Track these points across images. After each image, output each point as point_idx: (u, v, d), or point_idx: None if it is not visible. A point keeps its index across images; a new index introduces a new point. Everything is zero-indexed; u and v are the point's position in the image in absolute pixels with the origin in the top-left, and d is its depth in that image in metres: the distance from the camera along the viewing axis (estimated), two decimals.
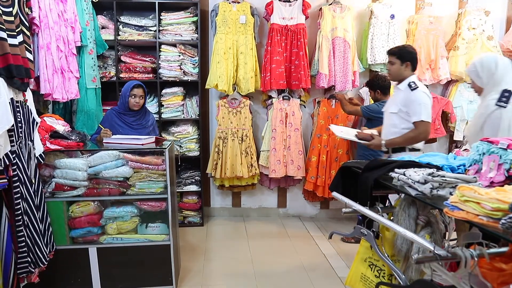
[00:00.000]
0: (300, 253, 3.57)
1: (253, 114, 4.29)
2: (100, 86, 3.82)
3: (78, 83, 3.42)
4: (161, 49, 4.04)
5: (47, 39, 2.84)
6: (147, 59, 4.09)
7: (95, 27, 3.77)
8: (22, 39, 2.41)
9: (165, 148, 2.69)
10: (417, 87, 2.78)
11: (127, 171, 2.72)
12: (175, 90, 4.08)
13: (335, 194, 1.85)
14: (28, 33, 2.50)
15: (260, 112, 4.43)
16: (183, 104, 4.13)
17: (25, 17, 2.49)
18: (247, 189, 4.37)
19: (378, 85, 3.61)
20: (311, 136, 4.29)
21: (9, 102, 2.18)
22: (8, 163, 2.16)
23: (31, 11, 2.61)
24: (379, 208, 1.68)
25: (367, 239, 1.68)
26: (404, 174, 1.54)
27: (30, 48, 2.52)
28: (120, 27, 4.01)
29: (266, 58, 4.04)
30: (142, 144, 2.77)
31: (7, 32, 2.24)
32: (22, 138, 2.37)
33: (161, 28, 4.03)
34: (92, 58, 3.64)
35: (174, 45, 4.07)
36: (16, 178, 2.26)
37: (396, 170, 1.62)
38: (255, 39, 4.08)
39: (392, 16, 4.12)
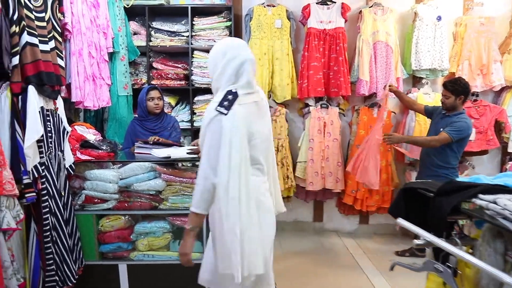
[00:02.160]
0: (340, 274, 3.31)
1: (289, 123, 4.07)
2: (131, 94, 3.71)
3: (109, 90, 3.32)
4: (193, 55, 3.90)
5: (79, 45, 2.73)
6: (179, 65, 3.96)
7: (127, 33, 3.66)
8: (54, 45, 2.30)
9: (198, 159, 2.51)
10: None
11: (160, 184, 2.55)
12: (208, 98, 3.92)
13: (401, 221, 1.60)
14: (60, 39, 2.40)
15: (296, 121, 4.21)
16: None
17: (57, 23, 2.39)
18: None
19: (464, 90, 3.14)
20: (349, 146, 4.03)
21: (39, 111, 2.06)
22: (37, 176, 2.03)
23: (64, 17, 2.51)
24: (458, 241, 1.43)
25: (444, 277, 1.43)
26: (495, 203, 1.29)
27: (62, 54, 2.41)
28: (152, 32, 3.90)
29: (303, 64, 3.83)
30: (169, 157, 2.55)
31: (38, 38, 2.14)
32: (52, 149, 2.24)
33: (193, 33, 3.89)
34: (124, 65, 3.53)
35: (207, 51, 3.91)
36: (45, 191, 2.13)
37: (480, 196, 1.36)
38: (291, 44, 3.87)
39: (439, 18, 3.83)
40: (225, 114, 1.56)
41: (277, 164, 3.89)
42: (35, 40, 2.09)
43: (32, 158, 1.96)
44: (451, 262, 1.41)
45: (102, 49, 3.03)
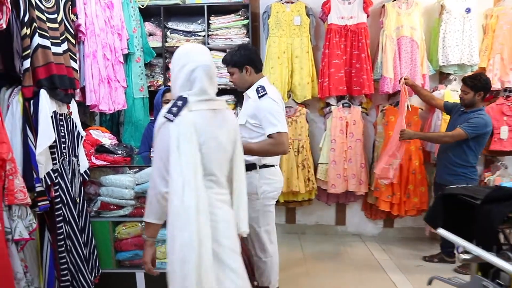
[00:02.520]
0: (365, 280, 3.16)
1: (310, 123, 3.93)
2: (147, 96, 3.63)
3: (125, 93, 3.24)
4: None
5: (93, 47, 2.66)
6: None
7: (142, 34, 3.59)
8: (66, 47, 2.22)
9: None
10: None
11: None
12: (226, 98, 3.81)
13: (442, 232, 1.45)
14: (73, 40, 2.33)
15: (317, 121, 4.06)
16: (234, 113, 3.85)
17: (70, 24, 2.31)
18: (303, 204, 4.00)
19: (484, 86, 3.03)
20: (374, 147, 3.86)
21: (52, 116, 1.98)
22: (49, 183, 1.95)
23: (77, 18, 2.43)
24: (511, 255, 1.27)
25: None
26: None
27: (75, 56, 2.33)
28: (168, 33, 3.81)
29: (323, 62, 3.68)
30: None
31: (50, 40, 2.06)
32: (66, 155, 2.17)
33: (210, 33, 3.78)
34: (140, 66, 3.46)
35: (224, 51, 3.80)
36: (58, 199, 2.05)
37: None
38: (311, 41, 3.73)
39: (468, 10, 3.63)
40: (172, 121, 1.51)
41: (297, 166, 3.81)
42: (47, 42, 2.02)
43: (44, 165, 1.88)
44: (503, 279, 1.26)
45: (116, 51, 2.95)
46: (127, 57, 3.32)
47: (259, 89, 2.40)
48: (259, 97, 2.37)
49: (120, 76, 3.01)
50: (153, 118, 3.07)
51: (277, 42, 3.69)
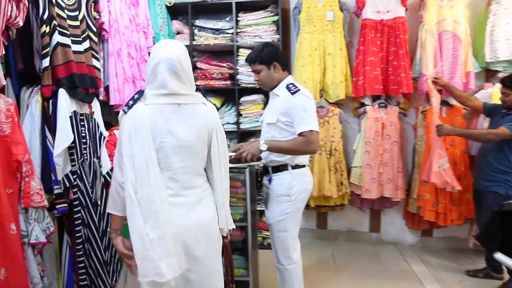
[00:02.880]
0: None
1: (343, 124, 3.73)
2: None
3: None
4: (239, 53, 3.68)
5: (118, 46, 2.59)
6: (224, 64, 3.76)
7: (169, 33, 3.52)
8: (88, 46, 2.16)
9: (245, 168, 2.26)
10: None
11: None
12: (255, 98, 3.69)
13: (501, 258, 1.24)
14: (95, 39, 2.26)
15: (350, 122, 3.85)
16: (262, 113, 3.71)
17: (92, 22, 2.24)
18: (335, 209, 3.81)
19: None
20: (415, 152, 3.59)
21: (71, 116, 1.91)
22: (68, 186, 1.88)
23: (100, 15, 2.36)
24: None
25: None
26: None
27: (98, 55, 2.26)
28: (196, 31, 3.73)
29: (358, 60, 3.47)
30: None
31: (71, 38, 2.00)
32: (86, 156, 2.10)
33: (238, 30, 3.67)
34: None
35: (252, 48, 3.66)
36: (77, 202, 1.98)
37: None
38: (344, 38, 3.53)
39: None
40: (126, 113, 1.54)
41: (329, 169, 3.62)
42: (67, 40, 1.96)
43: (62, 166, 1.82)
44: None
45: (142, 49, 2.88)
46: None
47: (290, 86, 2.32)
48: (292, 93, 2.28)
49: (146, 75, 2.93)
50: None
51: (309, 39, 3.52)
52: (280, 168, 2.36)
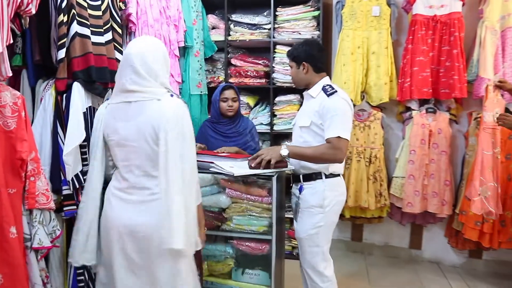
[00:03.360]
0: None
1: (385, 129, 3.43)
2: (206, 93, 3.40)
3: (180, 88, 3.04)
4: (275, 50, 3.47)
5: None
6: (259, 61, 3.56)
7: (204, 27, 3.36)
8: (110, 37, 2.03)
9: (273, 175, 2.05)
10: None
11: (224, 200, 2.16)
12: (291, 98, 3.46)
13: None
14: (119, 30, 2.12)
15: (394, 127, 3.54)
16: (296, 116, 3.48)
17: (117, 12, 2.11)
18: (372, 222, 3.52)
19: None
20: (464, 163, 3.23)
21: (85, 112, 1.78)
22: (78, 186, 1.76)
23: (126, 6, 2.23)
24: None
25: None
26: None
27: (122, 48, 2.12)
28: (231, 26, 3.55)
29: (405, 59, 3.16)
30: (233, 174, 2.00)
31: (91, 28, 1.87)
32: None
33: (276, 25, 3.45)
34: (198, 61, 3.23)
35: (291, 45, 3.43)
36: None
37: None
38: (391, 35, 3.23)
39: None
40: None
41: (368, 178, 3.34)
42: (86, 31, 1.83)
43: (72, 166, 1.69)
44: None
45: (172, 43, 2.74)
46: (185, 50, 3.11)
47: (327, 87, 2.12)
48: (328, 95, 2.08)
49: (174, 70, 2.80)
50: (210, 116, 2.83)
51: (351, 36, 3.24)
52: (313, 176, 2.15)
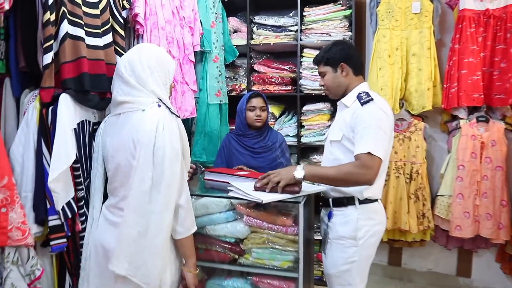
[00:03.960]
0: None
1: (428, 141, 3.02)
2: (227, 102, 3.11)
3: (197, 97, 2.76)
4: (303, 54, 3.14)
5: (155, 42, 2.19)
6: (285, 67, 3.24)
7: (224, 30, 3.08)
8: (110, 40, 1.76)
9: (299, 202, 1.71)
10: None
11: (241, 229, 1.83)
12: (320, 107, 3.11)
13: None
14: (122, 32, 1.85)
15: (437, 139, 3.12)
16: (329, 125, 3.12)
17: (119, 12, 1.84)
18: (413, 245, 3.10)
19: None
20: None
21: (75, 128, 1.50)
22: (70, 216, 1.47)
23: (131, 5, 1.97)
24: None
25: None
26: None
27: (124, 52, 1.85)
28: (254, 29, 3.25)
29: (452, 61, 2.76)
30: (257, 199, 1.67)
31: (86, 29, 1.60)
32: None
33: (303, 27, 3.13)
34: (217, 67, 2.94)
35: (319, 48, 3.09)
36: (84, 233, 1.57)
37: None
38: (434, 34, 2.84)
39: None
40: None
41: (409, 197, 2.93)
42: (79, 32, 1.56)
43: (61, 193, 1.41)
44: None
45: (186, 47, 2.45)
46: (202, 56, 2.83)
47: (362, 94, 1.76)
48: (362, 103, 1.73)
49: (189, 77, 2.51)
50: (234, 127, 2.53)
51: (388, 36, 2.88)
52: (344, 201, 1.80)
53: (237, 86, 3.33)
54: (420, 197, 2.91)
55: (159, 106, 1.45)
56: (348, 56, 1.84)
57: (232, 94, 3.26)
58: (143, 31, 2.11)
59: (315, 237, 2.67)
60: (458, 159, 2.80)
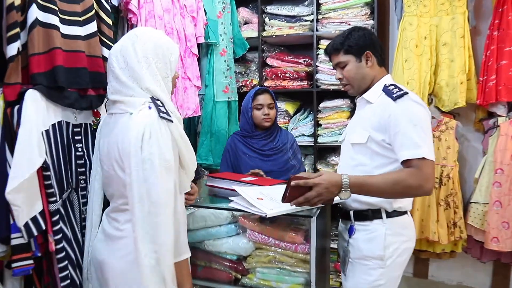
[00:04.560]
0: None
1: (460, 141, 2.71)
2: (236, 99, 2.87)
3: (203, 94, 2.54)
4: (319, 46, 2.87)
5: None
6: (300, 60, 2.97)
7: (233, 22, 2.84)
8: (94, 29, 1.54)
9: (311, 216, 1.45)
10: None
11: (244, 246, 1.59)
12: (339, 104, 2.84)
13: None
14: (109, 21, 1.63)
15: (471, 139, 2.80)
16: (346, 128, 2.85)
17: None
18: (442, 257, 2.80)
19: None
20: None
21: (48, 130, 1.29)
22: (34, 233, 1.26)
23: None
24: None
25: None
26: None
27: (113, 43, 1.62)
28: (266, 19, 3.00)
29: (489, 51, 2.44)
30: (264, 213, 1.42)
31: (61, 15, 1.38)
32: (84, 183, 1.48)
33: (320, 16, 2.86)
34: (225, 61, 2.70)
35: None
36: (62, 254, 1.35)
37: None
38: (468, 20, 2.52)
39: None
40: None
41: (438, 204, 2.63)
42: (53, 19, 1.35)
43: (22, 207, 1.20)
44: None
45: (188, 39, 2.22)
46: (208, 49, 2.59)
47: (391, 88, 1.49)
48: (394, 98, 1.45)
49: (192, 72, 2.28)
50: (239, 129, 2.30)
51: (416, 24, 2.57)
52: (369, 214, 1.54)
53: (248, 82, 3.09)
54: (451, 204, 2.60)
55: (150, 108, 1.21)
56: (373, 43, 1.57)
57: (242, 91, 3.02)
58: (136, 21, 1.88)
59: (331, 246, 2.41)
60: (495, 162, 2.48)
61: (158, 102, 1.21)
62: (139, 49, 1.23)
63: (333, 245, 2.67)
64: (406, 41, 2.58)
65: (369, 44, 1.56)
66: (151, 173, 1.13)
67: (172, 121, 1.20)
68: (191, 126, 2.73)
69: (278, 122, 3.02)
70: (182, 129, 1.27)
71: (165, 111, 1.20)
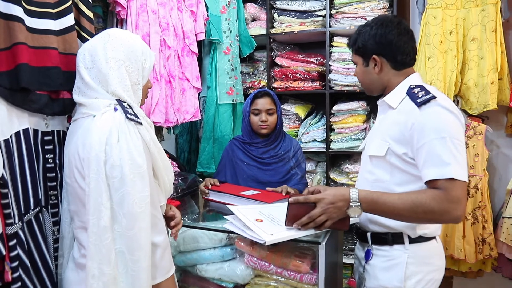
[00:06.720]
0: None
1: (490, 148, 2.45)
2: (242, 101, 2.66)
3: (204, 97, 2.34)
4: (333, 43, 2.65)
5: (144, 29, 1.77)
6: (312, 59, 2.75)
7: (239, 18, 2.63)
8: (71, 23, 1.35)
9: (319, 242, 1.23)
10: None
11: (242, 273, 1.37)
12: (354, 106, 2.61)
13: None
14: (90, 14, 1.44)
15: (502, 145, 2.55)
16: (365, 129, 2.60)
17: None
18: (469, 276, 2.53)
19: None
20: None
21: (6, 140, 1.11)
22: None
23: None
24: None
25: None
26: None
27: (91, 37, 1.43)
28: (275, 15, 2.79)
29: None
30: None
31: (26, 5, 1.20)
32: (55, 199, 1.30)
33: (333, 11, 2.63)
34: (230, 60, 2.49)
35: None
36: (17, 285, 1.16)
37: None
38: (501, 12, 2.26)
39: None
40: None
41: (465, 218, 2.37)
42: (15, 9, 1.15)
43: None
44: None
45: (187, 36, 2.02)
46: (210, 47, 2.39)
47: (416, 90, 1.25)
48: (419, 104, 1.21)
49: (191, 72, 2.08)
50: (240, 134, 2.09)
51: (440, 18, 2.32)
52: (389, 238, 1.30)
53: (255, 83, 2.88)
54: (479, 219, 2.34)
55: (116, 110, 1.07)
56: (386, 44, 1.31)
57: (249, 93, 2.81)
58: (126, 15, 1.69)
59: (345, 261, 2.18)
60: None
61: (125, 104, 1.08)
62: (110, 49, 1.13)
63: (347, 260, 2.46)
64: (429, 36, 2.33)
65: (380, 46, 1.32)
66: (121, 181, 1.00)
67: (141, 124, 1.07)
68: (193, 131, 2.54)
69: (288, 127, 2.83)
70: (154, 134, 1.13)
71: (132, 113, 1.07)
